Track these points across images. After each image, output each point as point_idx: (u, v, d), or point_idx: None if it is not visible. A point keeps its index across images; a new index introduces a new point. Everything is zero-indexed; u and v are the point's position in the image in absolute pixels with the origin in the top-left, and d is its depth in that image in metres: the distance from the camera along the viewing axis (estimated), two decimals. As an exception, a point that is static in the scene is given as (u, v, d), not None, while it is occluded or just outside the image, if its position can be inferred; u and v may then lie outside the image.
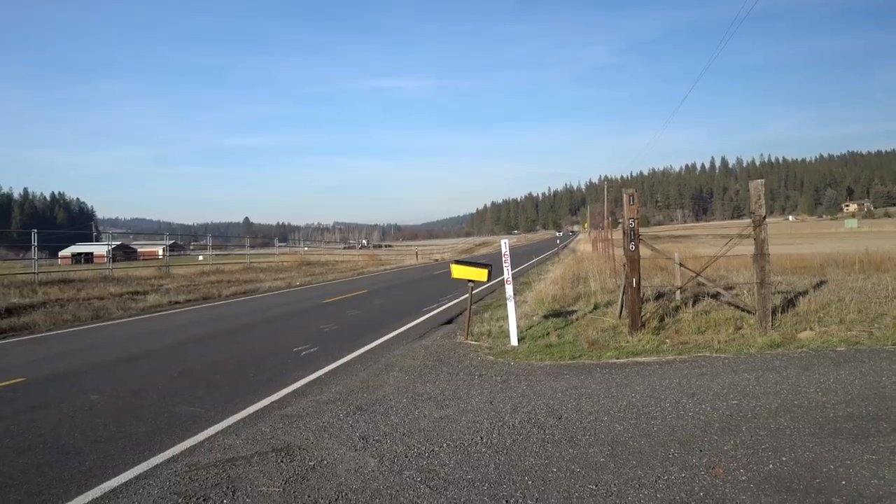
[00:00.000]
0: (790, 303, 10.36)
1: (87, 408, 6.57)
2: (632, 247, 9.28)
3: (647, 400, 5.70)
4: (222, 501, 4.04)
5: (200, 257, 36.10)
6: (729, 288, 11.36)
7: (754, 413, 5.08)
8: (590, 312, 11.66)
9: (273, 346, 10.14)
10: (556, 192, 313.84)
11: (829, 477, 3.77)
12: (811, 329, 8.66)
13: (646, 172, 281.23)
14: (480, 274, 9.90)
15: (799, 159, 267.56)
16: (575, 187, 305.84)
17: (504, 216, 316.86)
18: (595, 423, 5.14)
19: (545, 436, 4.93)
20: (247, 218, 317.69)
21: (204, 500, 4.06)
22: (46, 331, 13.00)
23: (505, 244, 10.06)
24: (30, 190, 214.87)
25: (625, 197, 9.44)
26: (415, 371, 7.75)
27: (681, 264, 10.47)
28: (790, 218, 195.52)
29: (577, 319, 11.07)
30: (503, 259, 9.80)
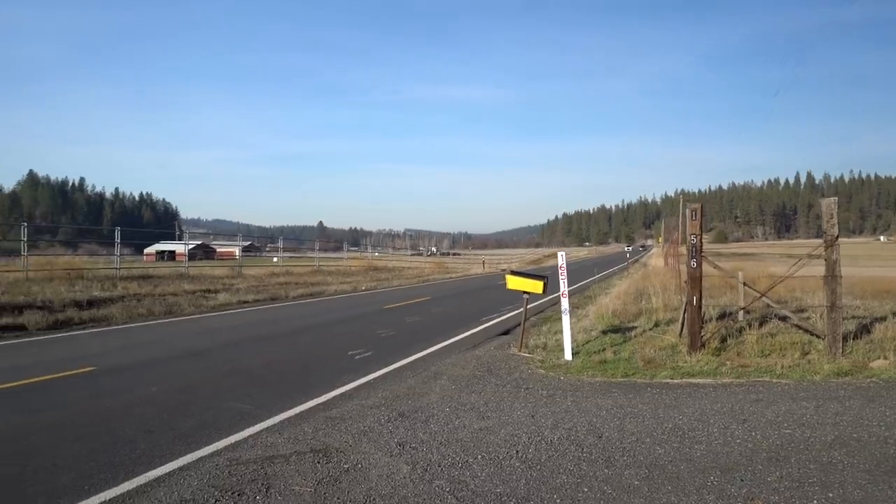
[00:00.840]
0: (865, 329, 9.78)
1: (145, 399, 6.87)
2: (693, 264, 9.00)
3: (694, 423, 5.50)
4: (255, 498, 4.14)
5: (275, 259, 37.11)
6: (800, 311, 10.86)
7: (807, 444, 4.82)
8: (650, 329, 11.36)
9: (329, 349, 10.34)
10: (629, 205, 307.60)
11: (877, 517, 3.55)
12: (885, 358, 8.16)
13: (725, 187, 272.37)
14: (536, 286, 9.81)
15: (893, 176, 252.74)
16: (650, 200, 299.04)
17: (576, 228, 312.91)
18: (636, 445, 5.00)
19: (582, 454, 4.82)
20: (321, 222, 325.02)
21: (238, 495, 4.18)
22: (122, 323, 13.69)
23: (562, 257, 9.93)
24: (120, 190, 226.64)
25: (687, 212, 9.18)
26: (462, 381, 7.74)
27: (745, 284, 10.06)
28: (882, 238, 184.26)
29: (635, 336, 10.81)
30: (559, 272, 9.68)
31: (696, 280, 8.99)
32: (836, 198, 8.63)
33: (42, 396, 7.03)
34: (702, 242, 9.13)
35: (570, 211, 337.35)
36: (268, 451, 5.11)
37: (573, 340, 10.52)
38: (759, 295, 9.11)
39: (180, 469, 4.73)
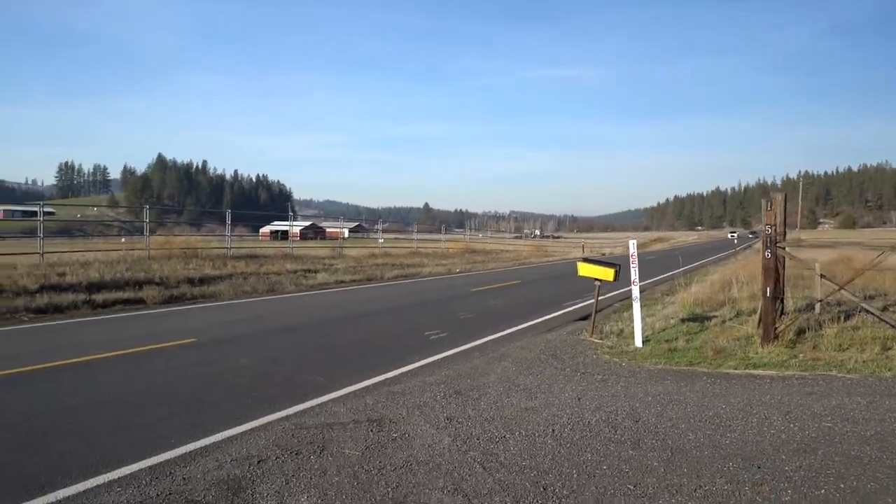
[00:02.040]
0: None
1: (235, 369, 7.70)
2: (768, 254, 8.85)
3: (735, 413, 5.60)
4: (310, 457, 4.72)
5: (381, 240, 38.62)
6: (892, 306, 10.36)
7: (842, 438, 4.85)
8: (731, 319, 11.18)
9: (408, 329, 10.95)
10: (746, 188, 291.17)
11: (880, 509, 3.64)
12: (974, 357, 7.76)
13: (855, 168, 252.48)
14: (607, 273, 9.95)
15: None
16: (769, 182, 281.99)
17: (687, 211, 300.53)
18: (669, 430, 5.20)
19: (614, 436, 5.09)
20: (426, 203, 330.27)
21: (296, 454, 4.78)
22: (228, 300, 14.95)
23: (633, 245, 9.99)
24: (239, 172, 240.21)
25: (762, 203, 9.02)
26: (524, 363, 8.09)
27: (822, 276, 9.73)
28: None
29: (714, 325, 10.69)
30: (630, 261, 9.75)
31: (769, 271, 8.85)
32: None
33: (147, 363, 8.03)
34: (777, 233, 8.95)
35: (682, 194, 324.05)
36: (330, 418, 5.71)
37: (650, 328, 10.63)
38: (837, 287, 8.83)
39: (252, 430, 5.41)
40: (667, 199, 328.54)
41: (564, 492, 4.02)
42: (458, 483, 4.20)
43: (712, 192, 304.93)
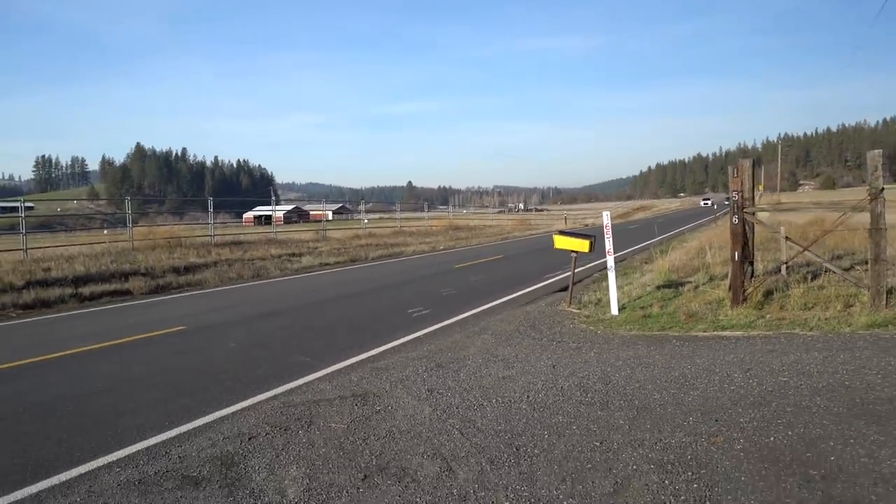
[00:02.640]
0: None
1: (223, 354, 7.95)
2: (735, 220, 9.18)
3: (699, 373, 5.93)
4: (298, 432, 5.00)
5: (365, 220, 38.68)
6: (859, 265, 10.75)
7: (795, 391, 5.18)
8: (704, 284, 11.55)
9: (391, 308, 11.22)
10: (728, 153, 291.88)
11: (821, 452, 3.96)
12: (930, 309, 8.15)
13: (834, 128, 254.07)
14: (582, 245, 10.25)
15: None
16: (750, 146, 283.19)
17: (670, 178, 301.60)
18: (637, 391, 5.52)
19: (585, 398, 5.40)
20: (409, 182, 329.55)
21: (285, 430, 5.05)
22: (214, 287, 15.14)
23: (606, 216, 10.28)
24: (219, 158, 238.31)
25: (729, 170, 9.33)
26: (504, 335, 8.39)
27: (787, 238, 10.11)
28: None
29: (687, 291, 11.04)
30: (605, 231, 10.05)
31: (736, 236, 9.18)
32: (880, 150, 8.56)
33: (137, 352, 8.26)
34: (744, 198, 9.27)
35: (664, 161, 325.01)
36: (316, 395, 5.98)
37: (627, 296, 10.98)
38: (801, 249, 9.19)
39: (242, 410, 5.68)
40: (649, 167, 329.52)
41: (536, 451, 4.33)
42: (437, 448, 4.50)
43: (694, 158, 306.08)
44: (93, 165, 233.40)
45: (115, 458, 4.65)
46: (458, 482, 3.94)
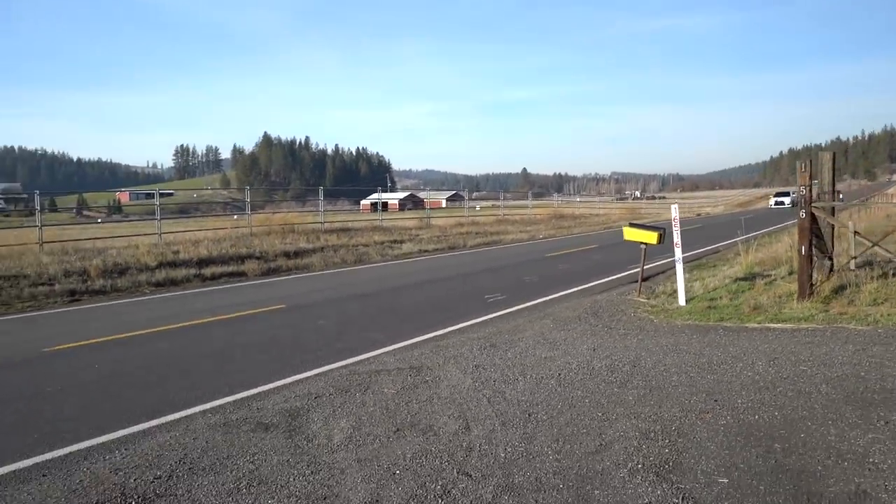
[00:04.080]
0: None
1: (311, 329, 9.11)
2: (802, 214, 9.25)
3: (726, 360, 6.34)
4: (356, 394, 5.95)
5: (477, 207, 39.63)
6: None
7: (807, 379, 5.52)
8: (782, 278, 11.53)
9: (471, 292, 12.06)
10: (871, 136, 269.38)
11: (795, 430, 4.39)
12: None
13: None
14: (650, 237, 10.60)
15: None
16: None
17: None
18: (659, 374, 6.04)
19: (608, 378, 6.00)
20: (524, 169, 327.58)
21: (345, 392, 6.02)
22: (318, 271, 16.60)
23: (675, 209, 10.58)
24: (340, 146, 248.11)
25: (797, 165, 9.39)
26: (562, 321, 9.00)
27: (856, 233, 9.97)
28: None
29: (763, 284, 11.11)
30: (673, 224, 10.37)
31: (803, 230, 9.25)
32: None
33: (243, 325, 9.59)
34: (814, 193, 9.31)
35: (798, 146, 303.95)
36: (379, 366, 6.93)
37: (704, 287, 11.25)
38: (871, 244, 9.13)
39: (315, 375, 6.73)
40: (780, 153, 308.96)
41: (544, 417, 5.02)
42: (463, 412, 5.29)
43: (831, 142, 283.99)
44: (225, 153, 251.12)
45: (209, 407, 5.80)
46: (470, 437, 4.72)
